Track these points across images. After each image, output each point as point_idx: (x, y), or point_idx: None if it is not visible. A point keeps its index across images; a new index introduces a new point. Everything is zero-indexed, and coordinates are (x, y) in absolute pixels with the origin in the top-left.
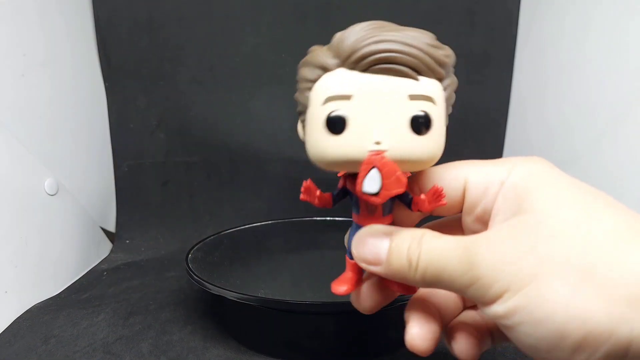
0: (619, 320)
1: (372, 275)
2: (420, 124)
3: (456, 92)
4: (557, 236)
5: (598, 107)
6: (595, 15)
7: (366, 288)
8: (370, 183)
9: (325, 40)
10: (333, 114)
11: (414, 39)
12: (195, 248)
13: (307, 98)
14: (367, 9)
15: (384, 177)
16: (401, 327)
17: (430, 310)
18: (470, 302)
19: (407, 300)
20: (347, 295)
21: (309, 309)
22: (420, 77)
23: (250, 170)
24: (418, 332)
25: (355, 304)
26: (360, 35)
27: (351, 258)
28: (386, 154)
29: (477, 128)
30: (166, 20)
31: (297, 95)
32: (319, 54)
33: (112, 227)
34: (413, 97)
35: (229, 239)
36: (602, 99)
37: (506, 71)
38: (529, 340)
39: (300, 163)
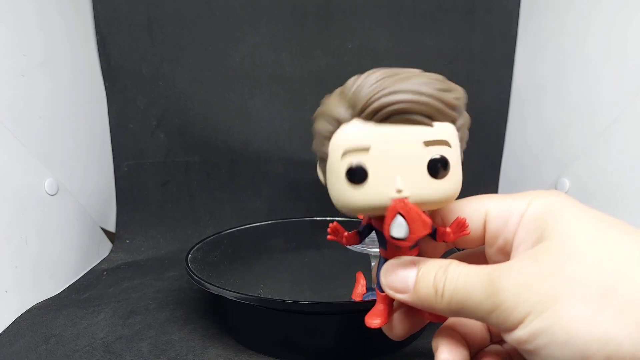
0: None
1: (402, 305)
2: (438, 168)
3: (469, 129)
4: (578, 260)
5: (597, 107)
6: (595, 15)
7: (397, 317)
8: (398, 229)
9: (325, 41)
10: (353, 167)
11: (426, 86)
12: (195, 248)
13: (325, 150)
14: (366, 9)
15: (409, 222)
16: None
17: (458, 338)
18: (497, 337)
19: None
20: (347, 295)
21: (308, 309)
22: (434, 123)
23: (250, 170)
24: (448, 358)
25: (387, 333)
26: (374, 87)
27: (381, 291)
28: (408, 200)
29: (477, 128)
30: (166, 20)
31: (315, 145)
32: (334, 106)
33: (112, 227)
34: (428, 143)
35: (229, 239)
36: (602, 99)
37: (506, 71)
38: None
39: (300, 163)
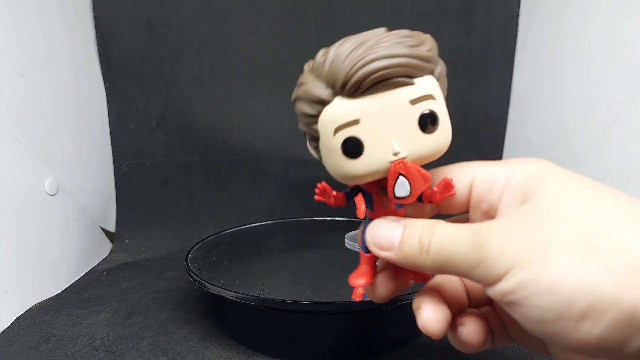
0: (623, 289)
1: (386, 266)
2: (428, 123)
3: (447, 77)
4: (563, 217)
5: (597, 106)
6: (595, 14)
7: (381, 278)
8: (401, 189)
9: (324, 41)
10: (348, 141)
11: (398, 47)
12: (195, 248)
13: (315, 130)
14: (366, 9)
15: (410, 180)
16: (401, 326)
17: (440, 298)
18: (475, 301)
19: (410, 299)
20: (347, 295)
21: (308, 309)
22: (415, 80)
23: (250, 170)
24: (431, 315)
25: (369, 295)
26: (348, 61)
27: (366, 252)
28: (406, 160)
29: (477, 128)
30: (166, 20)
31: (302, 127)
32: (312, 87)
33: (112, 227)
34: (414, 102)
35: (228, 239)
36: (602, 98)
37: (506, 71)
38: (535, 312)
39: (300, 163)
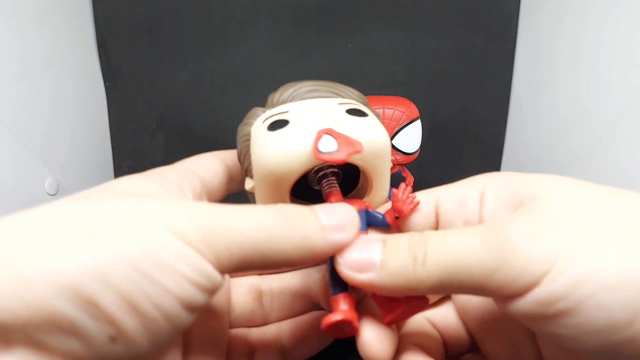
0: None
1: (365, 308)
2: (356, 112)
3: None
4: (585, 210)
5: (597, 108)
6: (595, 15)
7: (373, 332)
8: (325, 144)
9: (324, 44)
10: (274, 122)
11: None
12: None
13: (248, 134)
14: (366, 10)
15: (336, 137)
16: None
17: (420, 351)
18: (452, 349)
19: None
20: None
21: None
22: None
23: None
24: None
25: (368, 355)
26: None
27: (337, 291)
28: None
29: (477, 128)
30: (166, 21)
31: (239, 152)
32: (248, 119)
33: None
34: (342, 103)
35: None
36: (602, 99)
37: (506, 71)
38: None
39: None
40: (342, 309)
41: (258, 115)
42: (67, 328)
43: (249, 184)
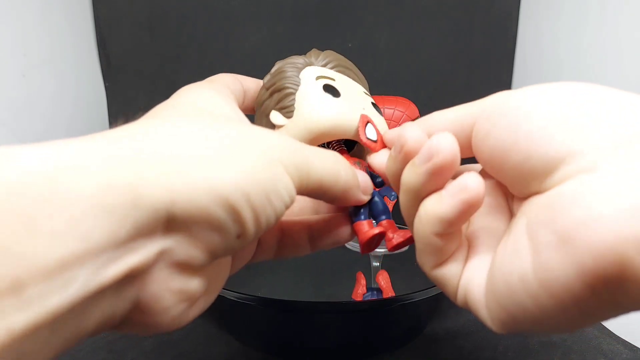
0: None
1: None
2: (376, 107)
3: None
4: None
5: None
6: (595, 15)
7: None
8: (370, 131)
9: (325, 40)
10: (327, 85)
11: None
12: None
13: (297, 81)
14: (367, 8)
15: (376, 129)
16: (402, 325)
17: None
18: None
19: (410, 299)
20: (348, 296)
21: (309, 309)
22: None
23: None
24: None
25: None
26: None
27: (359, 219)
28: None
29: None
30: (166, 19)
31: (272, 84)
32: (292, 60)
33: None
34: (366, 94)
35: None
36: None
37: (506, 71)
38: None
39: None
40: (375, 227)
41: (299, 64)
42: (215, 226)
43: (279, 119)
